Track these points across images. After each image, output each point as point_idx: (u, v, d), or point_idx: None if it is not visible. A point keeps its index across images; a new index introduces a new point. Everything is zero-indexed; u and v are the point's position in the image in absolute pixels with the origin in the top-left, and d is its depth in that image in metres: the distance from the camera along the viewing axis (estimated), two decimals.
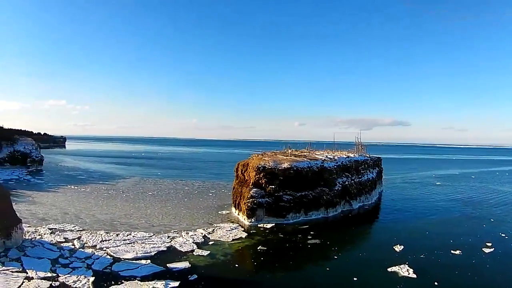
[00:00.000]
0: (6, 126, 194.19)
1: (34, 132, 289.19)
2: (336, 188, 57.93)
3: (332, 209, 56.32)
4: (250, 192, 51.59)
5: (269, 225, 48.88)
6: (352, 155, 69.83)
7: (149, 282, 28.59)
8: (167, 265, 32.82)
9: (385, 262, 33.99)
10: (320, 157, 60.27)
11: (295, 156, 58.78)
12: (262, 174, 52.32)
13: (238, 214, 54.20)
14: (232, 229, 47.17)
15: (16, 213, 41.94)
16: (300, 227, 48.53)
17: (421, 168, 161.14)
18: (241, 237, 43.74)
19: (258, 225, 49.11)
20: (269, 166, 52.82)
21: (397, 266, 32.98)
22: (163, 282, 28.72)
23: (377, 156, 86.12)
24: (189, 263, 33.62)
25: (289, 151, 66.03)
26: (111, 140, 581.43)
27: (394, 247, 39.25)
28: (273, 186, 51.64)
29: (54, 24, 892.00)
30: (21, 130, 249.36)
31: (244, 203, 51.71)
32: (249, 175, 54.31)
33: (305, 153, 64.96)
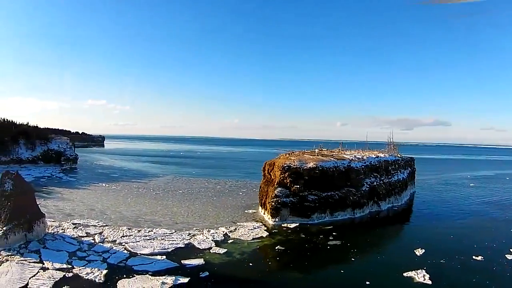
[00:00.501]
0: (45, 126, 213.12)
1: (72, 131, 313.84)
2: (364, 189, 57.43)
3: (359, 210, 55.91)
4: (275, 191, 52.29)
5: (292, 225, 49.08)
6: (382, 155, 68.95)
7: (160, 277, 29.55)
8: (182, 261, 33.72)
9: (402, 267, 33.32)
10: (348, 157, 60.01)
11: (322, 156, 58.73)
12: (287, 174, 52.93)
13: (264, 214, 54.81)
14: (255, 228, 47.67)
15: (42, 208, 45.51)
16: (324, 227, 48.32)
17: (457, 169, 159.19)
18: (261, 236, 44.08)
19: (282, 224, 49.44)
20: (294, 165, 53.20)
21: (413, 271, 32.19)
22: (173, 277, 29.54)
23: (410, 156, 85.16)
24: (204, 260, 34.31)
25: (317, 150, 66.14)
26: (151, 140, 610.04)
27: (415, 250, 38.50)
28: (298, 186, 52.04)
29: (91, 26, 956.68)
30: (58, 129, 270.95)
31: (269, 202, 52.55)
32: (274, 174, 54.99)
33: (333, 153, 64.86)
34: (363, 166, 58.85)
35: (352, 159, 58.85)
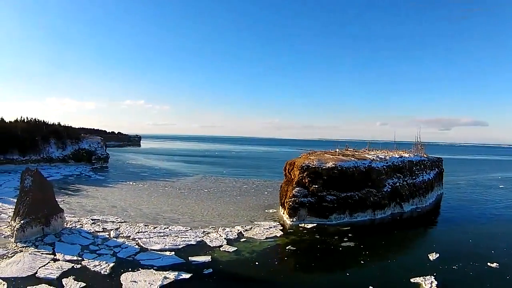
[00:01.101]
0: (80, 125, 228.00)
1: (108, 131, 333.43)
2: (385, 190, 57.30)
3: (380, 211, 55.96)
4: (293, 191, 53.38)
5: (309, 225, 49.91)
6: (407, 155, 68.64)
7: (163, 272, 31.42)
8: (189, 258, 35.36)
9: (411, 271, 33.06)
10: (370, 157, 60.10)
11: (343, 156, 59.10)
12: (305, 173, 53.87)
13: (283, 214, 55.90)
14: (271, 227, 48.75)
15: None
16: (342, 228, 48.73)
17: (490, 170, 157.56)
18: (275, 236, 45.13)
19: (299, 224, 50.34)
20: (313, 165, 53.94)
21: (422, 277, 31.83)
22: (176, 273, 31.32)
23: (437, 156, 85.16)
24: (211, 258, 35.83)
25: (338, 150, 66.70)
26: (190, 139, 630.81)
27: (429, 254, 38.20)
28: (316, 186, 52.84)
29: (127, 29, 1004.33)
30: (93, 129, 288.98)
31: (286, 202, 53.73)
32: (294, 174, 55.91)
33: (355, 153, 65.24)
34: (384, 166, 58.80)
35: (373, 159, 58.77)
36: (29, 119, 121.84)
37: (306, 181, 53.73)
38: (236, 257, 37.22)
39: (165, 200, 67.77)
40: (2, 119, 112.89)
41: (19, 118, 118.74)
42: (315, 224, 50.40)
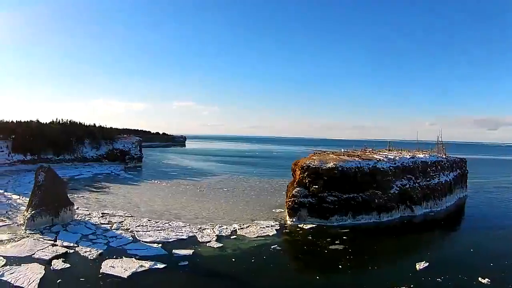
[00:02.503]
0: (126, 126, 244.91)
1: (153, 132, 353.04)
2: (392, 191, 58.47)
3: (386, 214, 57.19)
4: (293, 191, 56.57)
5: (308, 226, 52.53)
6: (422, 156, 68.97)
7: (142, 261, 36.09)
8: (173, 250, 39.89)
9: (387, 281, 33.21)
10: (378, 157, 61.60)
11: (348, 156, 61.46)
12: (306, 173, 56.84)
13: (286, 213, 58.96)
14: (268, 226, 52.06)
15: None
16: (340, 230, 50.60)
17: None
18: (268, 235, 48.25)
19: (299, 225, 53.05)
20: (313, 165, 56.78)
21: None
22: (153, 263, 35.91)
23: (459, 157, 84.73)
24: (193, 252, 39.99)
25: (342, 150, 69.32)
26: (237, 140, 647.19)
27: (417, 263, 37.61)
28: (317, 186, 55.41)
29: (174, 31, 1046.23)
30: (137, 130, 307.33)
31: (286, 201, 57.16)
32: (296, 174, 59.25)
33: (364, 153, 67.32)
34: (391, 167, 59.96)
35: (380, 159, 60.30)
36: (64, 120, 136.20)
37: (307, 181, 56.73)
38: (217, 253, 41.22)
39: (179, 198, 73.96)
40: (38, 120, 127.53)
41: (54, 120, 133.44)
42: (314, 225, 52.96)
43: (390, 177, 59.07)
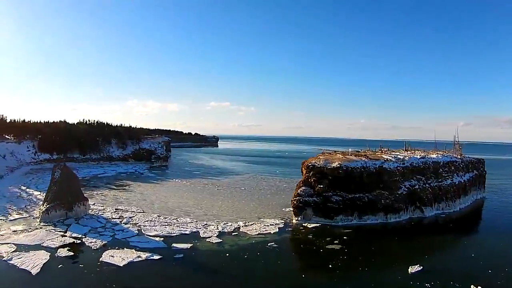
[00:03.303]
0: (159, 127, 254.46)
1: (184, 132, 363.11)
2: (400, 192, 59.13)
3: (394, 215, 57.92)
4: (298, 190, 58.67)
5: (312, 225, 54.12)
6: (434, 156, 68.95)
7: (141, 252, 39.51)
8: (173, 244, 43.15)
9: (372, 284, 34.22)
10: (386, 157, 62.39)
11: (355, 156, 62.91)
12: (311, 173, 58.78)
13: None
14: (271, 225, 54.20)
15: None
16: (343, 230, 51.72)
17: None
18: (269, 233, 50.21)
19: (303, 224, 54.80)
20: (318, 164, 58.51)
21: None
22: (150, 254, 39.56)
23: (477, 157, 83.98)
24: (192, 246, 42.94)
25: (350, 150, 70.41)
26: (272, 140, 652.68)
27: (410, 267, 37.64)
28: (322, 186, 57.08)
29: (209, 31, 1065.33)
30: (168, 130, 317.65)
31: (291, 200, 59.23)
32: (303, 173, 61.39)
33: (377, 153, 68.31)
34: (399, 167, 60.63)
35: (387, 159, 61.10)
36: (91, 121, 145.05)
37: (312, 180, 58.66)
38: (214, 248, 43.71)
39: (195, 196, 77.55)
40: (65, 121, 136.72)
41: (82, 120, 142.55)
42: (318, 225, 54.55)
43: (397, 177, 59.75)
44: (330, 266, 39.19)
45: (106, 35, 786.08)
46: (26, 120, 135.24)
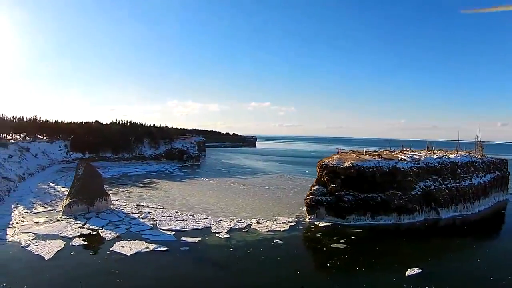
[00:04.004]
0: (205, 127, 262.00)
1: (222, 132, 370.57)
2: (414, 193, 58.98)
3: (407, 216, 57.85)
4: (311, 189, 60.12)
5: (324, 224, 55.08)
6: (453, 156, 68.33)
7: (150, 244, 42.53)
8: (182, 238, 46.08)
9: (365, 285, 34.62)
10: (401, 156, 62.65)
11: (369, 155, 63.56)
12: (324, 172, 60.12)
13: None
14: (283, 222, 55.57)
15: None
16: (354, 230, 52.26)
17: None
18: (279, 230, 51.67)
19: (315, 222, 55.94)
20: (331, 164, 59.68)
21: None
22: (158, 245, 42.61)
23: (499, 157, 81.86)
24: (201, 240, 45.60)
25: (365, 149, 71.72)
26: (312, 140, 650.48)
27: (409, 269, 37.54)
28: (334, 185, 58.16)
29: (256, 30, 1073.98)
30: (206, 130, 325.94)
31: (305, 199, 60.64)
32: (317, 172, 62.71)
33: (390, 153, 68.65)
34: (413, 167, 60.56)
35: (401, 159, 61.23)
36: (123, 121, 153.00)
37: (325, 179, 59.89)
38: (221, 242, 45.90)
39: (217, 194, 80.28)
40: (97, 121, 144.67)
41: (114, 121, 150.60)
42: (330, 224, 55.36)
43: (412, 177, 59.78)
44: (328, 264, 40.09)
45: (145, 35, 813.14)
46: (60, 121, 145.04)
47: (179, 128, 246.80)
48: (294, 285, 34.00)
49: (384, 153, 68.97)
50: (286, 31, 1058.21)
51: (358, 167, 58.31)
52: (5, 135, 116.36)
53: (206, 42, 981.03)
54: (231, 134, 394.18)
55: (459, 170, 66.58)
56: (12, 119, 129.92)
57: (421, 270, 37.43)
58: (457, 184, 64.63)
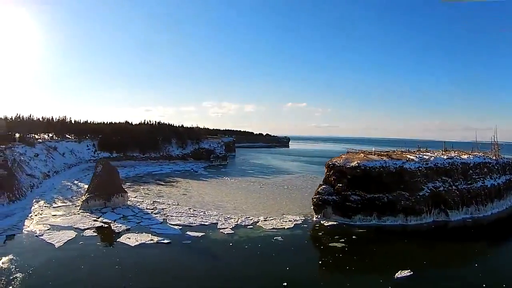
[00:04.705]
0: (241, 128, 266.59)
1: (255, 133, 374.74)
2: (422, 194, 58.51)
3: (415, 217, 57.32)
4: (319, 188, 60.99)
5: (329, 223, 55.68)
6: (465, 156, 67.29)
7: (155, 236, 45.96)
8: (187, 232, 48.83)
9: (351, 285, 34.97)
10: (410, 157, 62.35)
11: (377, 155, 63.78)
12: (331, 172, 61.03)
13: None
14: (289, 221, 56.87)
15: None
16: (358, 230, 52.45)
17: None
18: (283, 228, 53.16)
19: (321, 221, 56.68)
20: (338, 164, 60.44)
21: None
22: (162, 238, 45.75)
23: None
24: (204, 235, 48.18)
25: (373, 149, 70.69)
26: (347, 141, 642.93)
27: (400, 271, 37.26)
28: (341, 185, 58.78)
29: (294, 31, 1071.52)
30: (239, 131, 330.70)
31: (312, 198, 61.54)
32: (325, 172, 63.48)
33: (400, 153, 68.35)
34: (421, 168, 60.24)
35: (409, 159, 61.05)
36: (152, 122, 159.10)
37: (332, 179, 60.79)
38: (222, 237, 48.27)
39: (234, 192, 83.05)
40: (126, 121, 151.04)
41: (143, 121, 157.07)
42: (336, 223, 55.82)
43: (419, 178, 59.50)
44: (320, 262, 41.38)
45: (181, 37, 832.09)
46: (89, 121, 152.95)
47: (210, 128, 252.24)
48: (276, 280, 35.24)
49: (394, 153, 68.81)
50: (321, 32, 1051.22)
51: (364, 167, 58.82)
52: (34, 135, 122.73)
53: (243, 43, 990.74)
54: (264, 134, 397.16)
55: (471, 171, 65.60)
56: (41, 119, 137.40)
57: (412, 272, 37.18)
58: (469, 186, 63.73)
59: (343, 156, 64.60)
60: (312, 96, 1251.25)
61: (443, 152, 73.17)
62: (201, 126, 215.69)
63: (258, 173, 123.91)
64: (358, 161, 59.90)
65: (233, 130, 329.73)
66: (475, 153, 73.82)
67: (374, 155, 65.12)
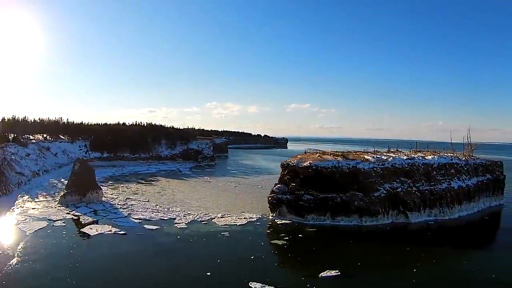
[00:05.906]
0: (244, 129, 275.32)
1: (254, 134, 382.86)
2: (377, 194, 59.84)
3: (370, 218, 58.29)
4: (274, 187, 64.74)
5: (282, 222, 59.11)
6: (430, 157, 67.65)
7: (114, 228, 52.60)
8: (144, 225, 55.08)
9: (270, 279, 36.01)
10: (367, 157, 64.21)
11: (333, 156, 66.54)
12: (286, 171, 64.69)
13: None
14: (244, 218, 60.97)
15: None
16: (309, 229, 54.78)
17: None
18: (235, 224, 57.26)
19: (276, 220, 60.39)
20: (292, 163, 64.03)
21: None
22: (118, 229, 52.89)
23: (491, 159, 78.83)
24: (159, 228, 53.88)
25: (329, 150, 73.06)
26: (348, 142, 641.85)
27: (327, 271, 38.03)
28: (294, 184, 61.89)
29: (297, 30, 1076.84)
30: (237, 132, 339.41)
31: (267, 197, 65.05)
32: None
33: (359, 153, 70.53)
34: (376, 168, 61.26)
35: (365, 159, 62.86)
36: (143, 123, 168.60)
37: (286, 178, 63.95)
38: (174, 231, 53.37)
39: (207, 192, 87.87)
40: (118, 123, 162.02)
41: (134, 123, 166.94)
42: (289, 222, 58.81)
43: (374, 178, 61.06)
44: (252, 257, 42.91)
45: (184, 37, 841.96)
46: (83, 122, 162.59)
47: (210, 130, 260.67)
48: (202, 270, 38.42)
49: (351, 153, 71.13)
50: (324, 32, 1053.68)
51: (316, 167, 61.24)
52: (29, 135, 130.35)
53: (246, 44, 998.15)
54: (262, 135, 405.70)
55: (435, 172, 66.81)
56: (36, 120, 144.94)
57: (339, 273, 37.64)
58: (432, 187, 64.23)
59: (298, 156, 68.11)
60: (315, 97, 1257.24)
61: (408, 153, 73.92)
62: (205, 128, 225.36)
63: (240, 173, 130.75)
64: (311, 161, 62.44)
65: (232, 131, 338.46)
66: (442, 154, 74.26)
67: (330, 155, 67.90)
